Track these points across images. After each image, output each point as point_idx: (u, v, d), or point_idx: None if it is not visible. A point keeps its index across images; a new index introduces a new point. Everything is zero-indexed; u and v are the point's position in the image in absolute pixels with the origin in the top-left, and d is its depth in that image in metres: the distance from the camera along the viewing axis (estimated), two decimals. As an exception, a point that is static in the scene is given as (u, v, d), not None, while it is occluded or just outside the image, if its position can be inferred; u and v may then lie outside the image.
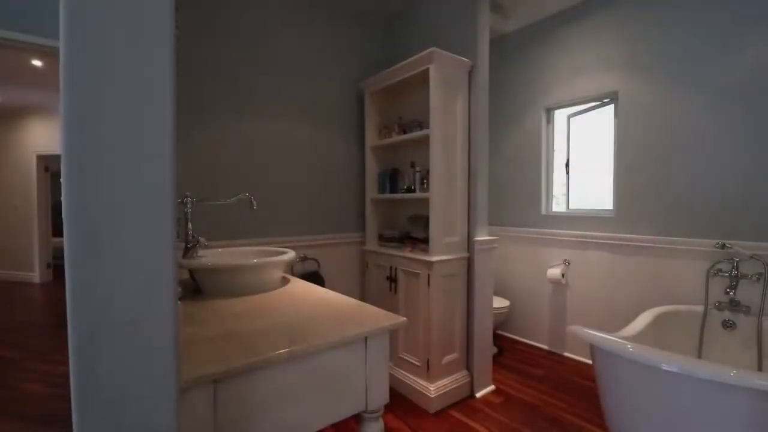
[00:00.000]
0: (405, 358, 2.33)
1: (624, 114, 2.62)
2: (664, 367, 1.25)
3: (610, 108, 2.77)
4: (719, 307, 2.13)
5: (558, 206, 3.18)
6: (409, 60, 2.26)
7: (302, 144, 2.53)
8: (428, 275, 2.15)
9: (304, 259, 2.47)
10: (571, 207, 3.11)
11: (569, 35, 2.92)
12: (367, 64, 2.84)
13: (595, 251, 2.77)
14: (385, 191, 2.66)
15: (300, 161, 2.52)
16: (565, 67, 2.95)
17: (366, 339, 0.99)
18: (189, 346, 0.86)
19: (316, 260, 2.53)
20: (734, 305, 2.09)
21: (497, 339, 3.18)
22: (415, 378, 2.25)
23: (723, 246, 2.10)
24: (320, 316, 1.08)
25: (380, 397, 1.02)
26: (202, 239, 1.41)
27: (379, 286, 2.57)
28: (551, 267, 2.97)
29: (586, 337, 1.47)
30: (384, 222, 2.79)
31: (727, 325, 2.10)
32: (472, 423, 2.03)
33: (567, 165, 3.09)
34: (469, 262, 2.34)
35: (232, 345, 0.87)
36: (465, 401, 2.25)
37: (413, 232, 2.58)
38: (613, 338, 1.43)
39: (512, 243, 3.32)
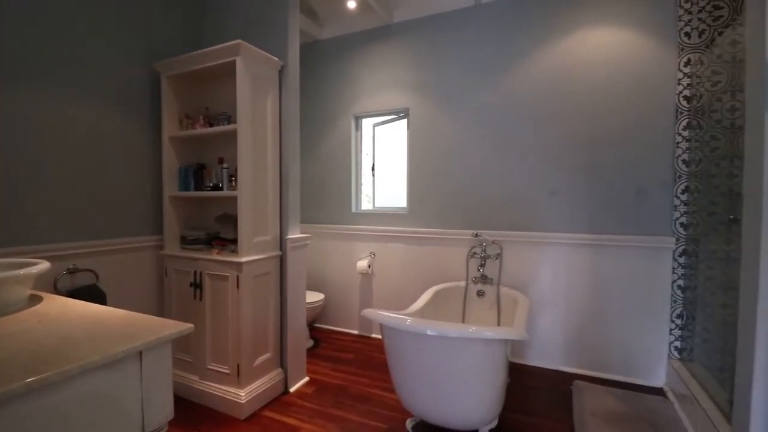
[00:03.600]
0: (213, 368, 2.17)
1: (413, 127, 3.13)
2: (429, 332, 1.58)
3: (405, 121, 3.26)
4: (474, 281, 2.80)
5: (367, 204, 3.54)
6: (213, 48, 2.11)
7: (78, 129, 2.00)
8: (237, 277, 2.07)
9: (74, 270, 1.99)
10: (376, 205, 3.51)
11: (373, 52, 3.28)
12: (169, 43, 2.47)
13: (394, 243, 3.21)
14: (188, 188, 2.40)
15: (75, 150, 1.99)
16: (370, 80, 3.31)
17: (141, 353, 0.89)
18: None
19: (93, 271, 2.07)
20: (483, 279, 2.79)
21: (313, 331, 3.32)
22: (224, 387, 2.13)
23: (476, 235, 2.77)
24: (80, 337, 0.91)
25: (161, 414, 0.94)
26: None
27: (181, 294, 2.30)
28: (360, 259, 3.29)
29: (374, 317, 1.71)
30: (188, 222, 2.51)
31: (480, 294, 2.78)
32: (284, 418, 2.07)
33: (373, 168, 3.48)
34: (282, 260, 2.36)
35: None
36: (279, 398, 2.27)
37: (222, 233, 2.43)
38: (394, 315, 1.70)
39: (326, 239, 3.52)
